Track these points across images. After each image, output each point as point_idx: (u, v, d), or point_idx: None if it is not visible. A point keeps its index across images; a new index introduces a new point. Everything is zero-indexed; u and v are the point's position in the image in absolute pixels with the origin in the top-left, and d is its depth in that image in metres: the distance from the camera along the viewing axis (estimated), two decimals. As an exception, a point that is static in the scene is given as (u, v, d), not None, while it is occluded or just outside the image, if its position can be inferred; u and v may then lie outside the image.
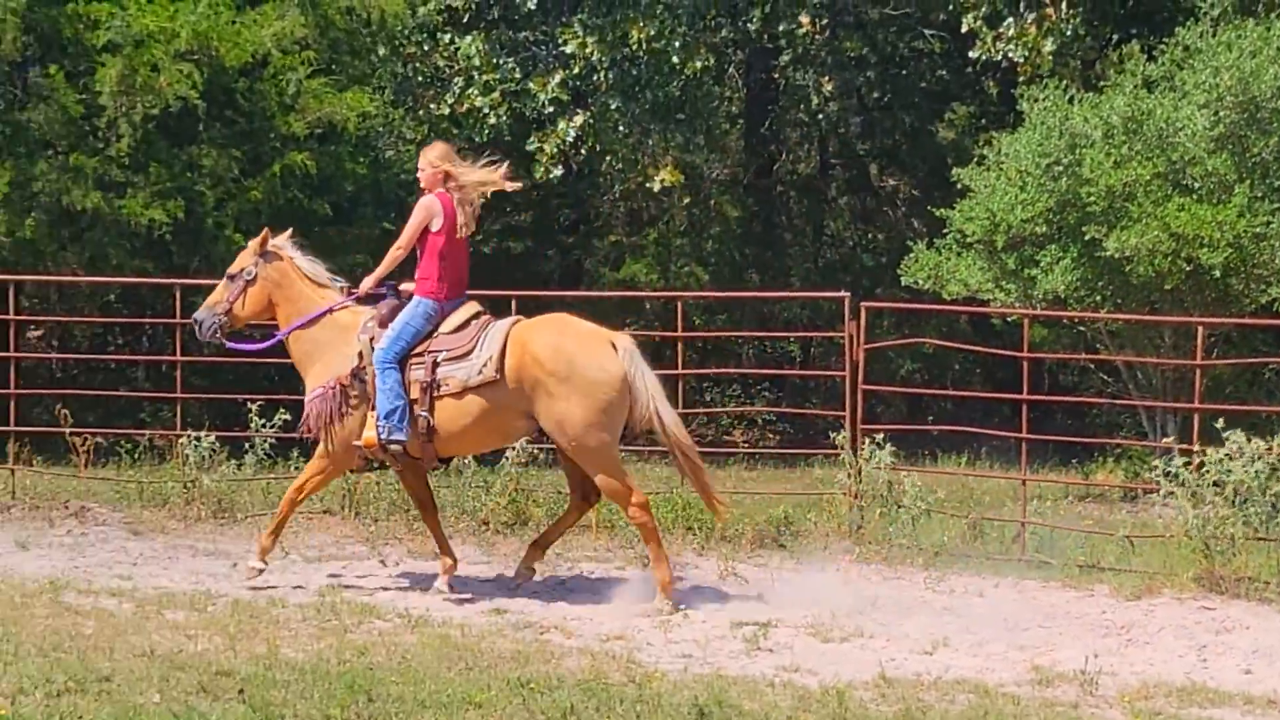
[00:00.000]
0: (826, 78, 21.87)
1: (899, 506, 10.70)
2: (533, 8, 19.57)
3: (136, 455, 12.45)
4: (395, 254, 9.37)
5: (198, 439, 11.37)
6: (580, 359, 9.01)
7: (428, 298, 9.20)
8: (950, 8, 19.39)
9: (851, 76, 22.19)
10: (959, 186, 15.14)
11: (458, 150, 10.04)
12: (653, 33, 18.32)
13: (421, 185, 9.53)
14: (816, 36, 20.79)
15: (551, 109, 18.99)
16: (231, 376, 14.65)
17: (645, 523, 9.22)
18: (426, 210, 9.22)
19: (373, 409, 9.10)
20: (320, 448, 9.39)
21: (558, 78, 18.87)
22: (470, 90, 18.93)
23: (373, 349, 9.14)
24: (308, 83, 15.83)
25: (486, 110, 18.84)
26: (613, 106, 19.05)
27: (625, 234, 25.20)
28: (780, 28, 20.43)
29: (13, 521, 10.83)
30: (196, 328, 9.67)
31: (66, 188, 14.87)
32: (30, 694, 6.49)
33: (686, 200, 18.85)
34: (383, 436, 9.00)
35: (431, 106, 19.41)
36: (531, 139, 19.15)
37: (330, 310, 9.46)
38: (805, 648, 8.10)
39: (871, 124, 23.75)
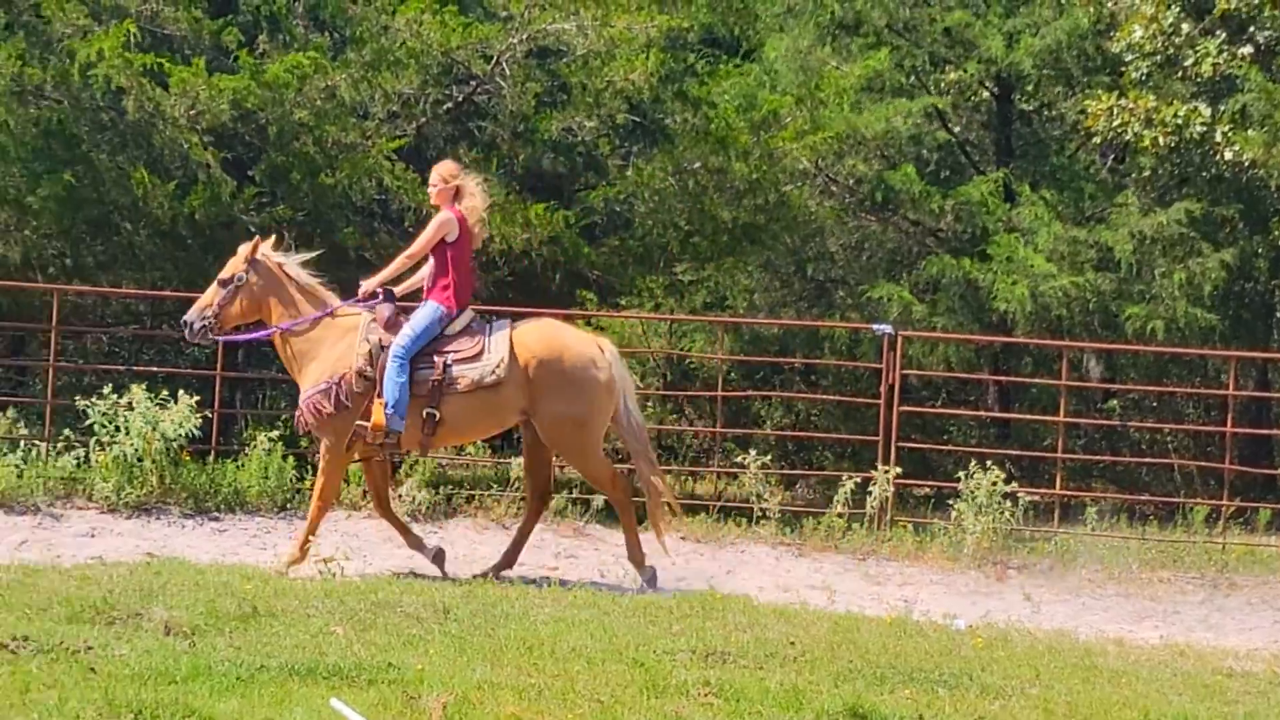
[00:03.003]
0: None
1: None
2: None
3: None
4: (404, 261, 12.87)
5: None
6: (576, 361, 12.75)
7: (443, 305, 12.69)
8: None
9: None
10: None
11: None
12: None
13: (432, 200, 13.02)
14: None
15: None
16: None
17: (621, 500, 13.21)
18: (445, 225, 12.70)
19: (379, 397, 12.43)
20: (324, 448, 12.84)
21: None
22: None
23: (381, 348, 12.52)
24: None
25: None
26: None
27: None
28: None
29: None
30: (186, 329, 13.11)
31: None
32: None
33: None
34: (388, 423, 12.38)
35: None
36: None
37: (332, 312, 12.88)
38: None
39: None
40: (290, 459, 15.79)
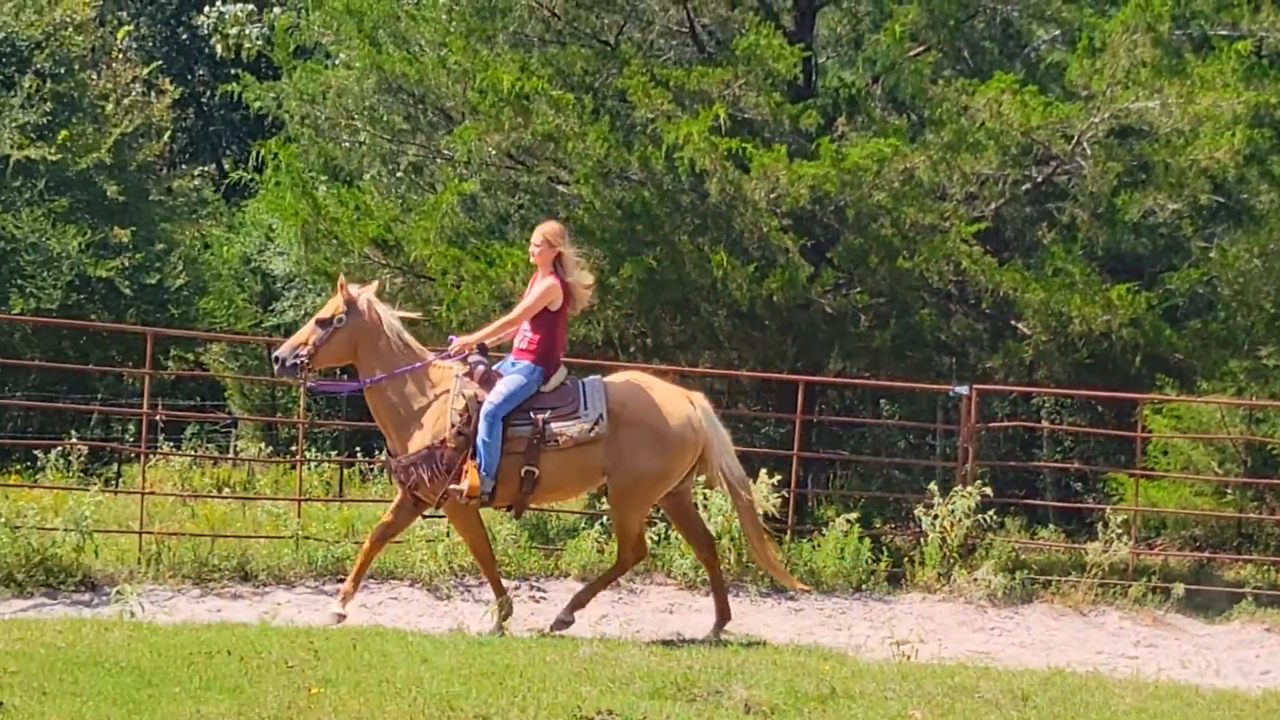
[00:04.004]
0: None
1: None
2: None
3: None
4: (508, 328, 12.72)
5: None
6: (668, 418, 12.66)
7: (539, 366, 12.51)
8: None
9: None
10: None
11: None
12: None
13: (533, 260, 12.75)
14: None
15: None
16: None
17: (627, 562, 13.23)
18: (549, 293, 12.50)
19: (471, 458, 12.28)
20: (451, 508, 12.69)
21: None
22: None
23: (477, 404, 12.35)
24: None
25: None
26: None
27: None
28: None
29: None
30: (276, 365, 12.82)
31: None
32: None
33: None
34: (481, 486, 12.26)
35: None
36: None
37: (424, 366, 12.64)
38: None
39: None
40: (866, 540, 16.01)
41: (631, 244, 17.92)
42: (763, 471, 15.74)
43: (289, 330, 29.82)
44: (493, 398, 12.40)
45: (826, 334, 18.36)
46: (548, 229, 12.81)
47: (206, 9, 35.82)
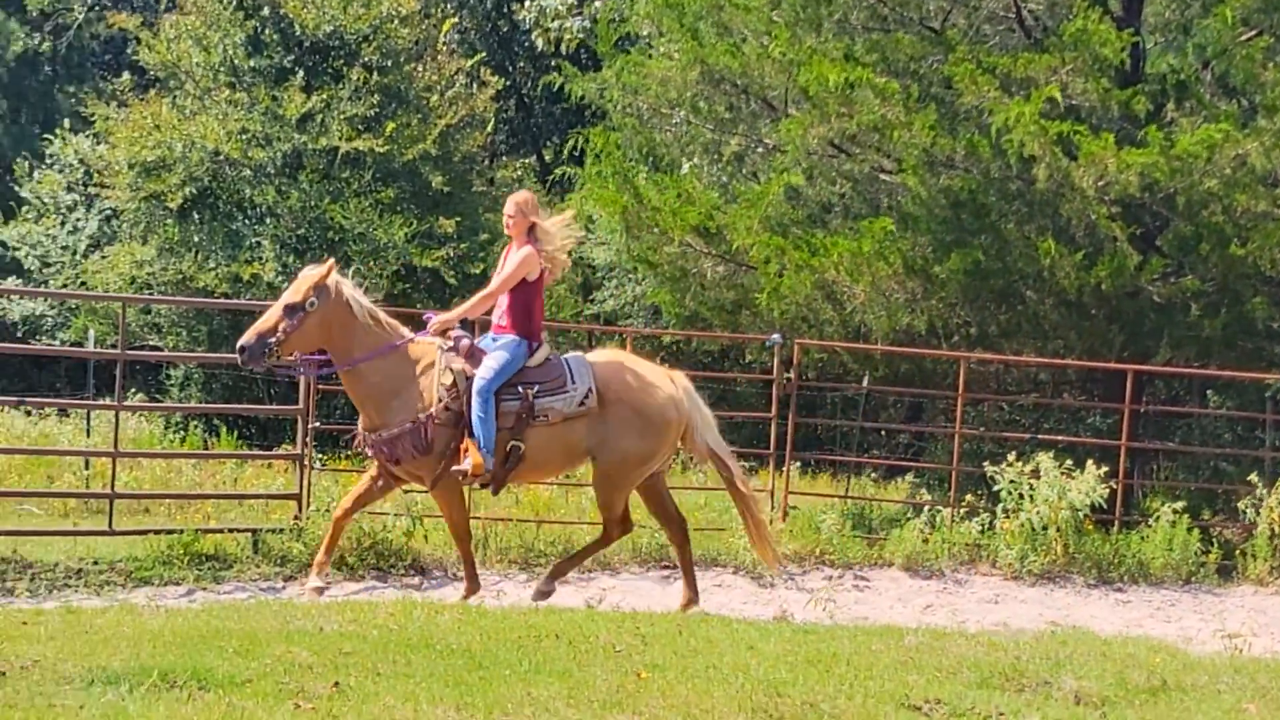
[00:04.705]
0: None
1: None
2: None
3: None
4: (486, 301, 12.58)
5: None
6: (652, 396, 12.53)
7: (524, 339, 12.41)
8: None
9: None
10: None
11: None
12: None
13: (508, 231, 12.57)
14: None
15: None
16: None
17: (609, 539, 13.10)
18: (527, 263, 12.33)
19: (469, 436, 12.07)
20: (437, 483, 12.39)
21: None
22: None
23: (466, 379, 12.16)
24: None
25: None
26: None
27: None
28: None
29: None
30: (242, 354, 12.24)
31: None
32: None
33: None
34: (485, 463, 12.08)
35: None
36: None
37: (404, 344, 12.40)
38: None
39: None
40: (1195, 531, 15.87)
41: (958, 233, 17.98)
42: (1089, 462, 15.69)
43: (609, 319, 30.45)
44: (483, 374, 12.26)
45: (1154, 322, 18.21)
46: (519, 198, 12.61)
47: (527, 3, 36.50)
